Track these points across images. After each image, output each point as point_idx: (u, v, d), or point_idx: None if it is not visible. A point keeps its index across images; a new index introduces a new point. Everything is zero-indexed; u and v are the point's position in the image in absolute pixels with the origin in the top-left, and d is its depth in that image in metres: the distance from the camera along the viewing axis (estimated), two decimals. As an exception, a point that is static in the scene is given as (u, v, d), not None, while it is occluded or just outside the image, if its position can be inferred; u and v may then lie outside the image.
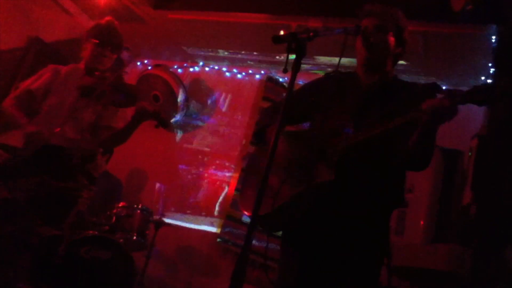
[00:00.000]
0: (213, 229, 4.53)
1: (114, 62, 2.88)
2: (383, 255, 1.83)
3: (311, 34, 1.59)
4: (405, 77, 2.65)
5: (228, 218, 4.41)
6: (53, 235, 2.46)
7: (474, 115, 3.43)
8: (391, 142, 1.77)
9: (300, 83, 2.36)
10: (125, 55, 4.71)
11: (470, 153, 3.39)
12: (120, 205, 3.74)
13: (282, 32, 3.59)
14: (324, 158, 1.80)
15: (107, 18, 2.93)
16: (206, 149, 4.86)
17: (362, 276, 1.79)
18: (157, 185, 4.40)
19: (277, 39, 1.60)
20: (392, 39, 1.96)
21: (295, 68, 1.58)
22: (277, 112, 1.98)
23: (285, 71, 1.59)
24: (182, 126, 5.01)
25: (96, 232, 3.40)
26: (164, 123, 2.72)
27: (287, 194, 1.81)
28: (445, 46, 3.72)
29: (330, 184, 1.73)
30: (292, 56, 1.60)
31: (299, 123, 2.17)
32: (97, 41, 2.75)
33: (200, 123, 4.99)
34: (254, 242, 1.51)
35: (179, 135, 5.00)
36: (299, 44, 1.57)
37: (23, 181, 2.49)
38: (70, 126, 2.65)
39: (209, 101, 5.03)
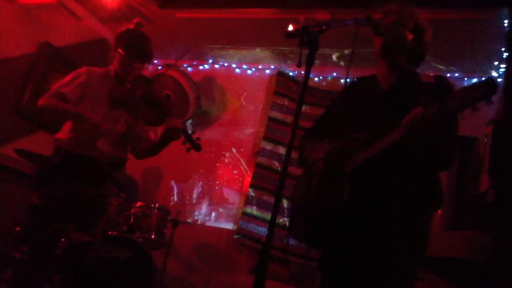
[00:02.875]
0: (230, 226, 4.55)
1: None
2: (423, 254, 1.83)
3: (323, 27, 1.59)
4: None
5: (244, 214, 4.43)
6: (83, 241, 2.45)
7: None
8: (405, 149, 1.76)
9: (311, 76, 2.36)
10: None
11: (486, 140, 3.35)
12: (137, 205, 3.77)
13: (291, 26, 3.56)
14: (344, 172, 1.81)
15: (136, 20, 2.80)
16: (219, 146, 4.87)
17: (403, 275, 1.79)
18: (172, 183, 4.44)
19: (290, 34, 1.60)
20: (410, 35, 1.94)
21: (309, 61, 1.58)
22: (314, 133, 2.02)
23: (299, 65, 1.59)
24: (194, 124, 5.02)
25: (116, 232, 3.45)
26: (196, 146, 2.66)
27: (319, 211, 1.84)
28: (457, 32, 3.67)
29: (344, 205, 1.75)
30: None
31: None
32: (125, 52, 2.63)
33: (211, 121, 5.00)
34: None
35: (186, 152, 5.01)
36: (311, 38, 1.57)
37: (54, 188, 2.47)
38: (103, 138, 2.60)
39: (220, 98, 5.03)
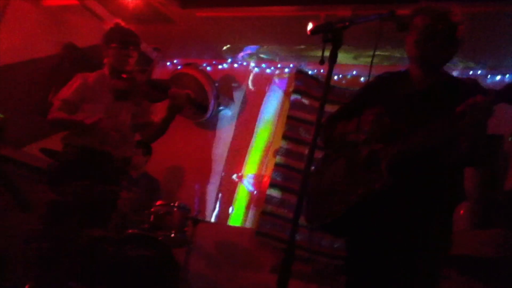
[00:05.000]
0: (251, 224, 4.56)
1: (138, 61, 2.92)
2: (446, 253, 1.81)
3: (347, 23, 1.58)
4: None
5: (264, 213, 4.42)
6: (100, 235, 2.53)
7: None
8: (441, 146, 1.74)
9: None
10: (155, 55, 4.81)
11: (510, 138, 3.29)
12: (158, 203, 3.82)
13: (310, 24, 3.55)
14: (377, 162, 1.79)
15: (115, 20, 3.01)
16: (237, 144, 4.89)
17: (427, 274, 1.77)
18: (195, 184, 4.48)
19: (314, 31, 1.59)
20: (444, 40, 1.89)
21: (332, 58, 1.57)
22: (334, 121, 2.00)
23: (322, 62, 1.58)
24: (214, 122, 5.05)
25: (136, 231, 3.49)
26: (201, 107, 2.76)
27: (347, 202, 1.83)
28: (479, 27, 3.59)
29: (384, 188, 1.73)
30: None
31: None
32: (119, 45, 2.80)
33: (230, 120, 5.01)
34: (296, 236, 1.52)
35: (211, 131, 5.04)
36: (335, 34, 1.56)
37: (69, 184, 2.55)
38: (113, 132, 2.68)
39: (239, 97, 5.04)
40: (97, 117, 2.64)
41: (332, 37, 1.55)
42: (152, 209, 3.76)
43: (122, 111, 2.78)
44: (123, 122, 2.78)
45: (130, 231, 3.46)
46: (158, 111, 2.90)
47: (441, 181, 1.79)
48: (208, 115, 4.85)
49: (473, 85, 1.82)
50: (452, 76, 1.99)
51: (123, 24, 2.96)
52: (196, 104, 2.86)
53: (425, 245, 1.76)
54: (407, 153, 1.75)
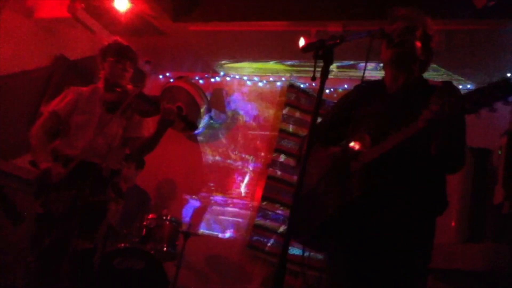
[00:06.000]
0: (242, 238, 4.55)
1: (133, 76, 2.95)
2: (428, 262, 1.81)
3: (338, 40, 1.60)
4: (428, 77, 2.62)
5: (256, 226, 4.41)
6: (86, 248, 2.52)
7: (502, 113, 3.37)
8: (413, 149, 1.74)
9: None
10: (146, 68, 4.82)
11: (499, 151, 3.33)
12: (149, 216, 3.80)
13: (302, 40, 3.60)
14: (350, 173, 1.80)
15: (114, 38, 3.05)
16: (229, 157, 4.89)
17: (410, 285, 1.76)
18: (186, 198, 4.46)
19: (306, 48, 1.61)
20: (418, 44, 1.93)
21: (324, 74, 1.59)
22: (319, 134, 2.01)
23: (313, 78, 1.60)
24: (205, 135, 5.05)
25: (127, 244, 3.47)
26: (190, 124, 2.75)
27: (324, 216, 1.83)
28: (468, 43, 3.67)
29: (357, 199, 1.74)
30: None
31: (339, 141, 2.13)
32: (116, 59, 2.83)
33: (222, 132, 5.02)
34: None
35: (202, 144, 5.04)
36: (326, 51, 1.58)
37: (57, 195, 2.55)
38: (98, 141, 2.71)
39: (231, 110, 5.06)
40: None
41: (323, 54, 1.58)
42: (144, 222, 3.74)
43: (113, 124, 2.78)
44: (114, 134, 2.77)
45: (122, 244, 3.43)
46: (149, 126, 2.90)
47: (421, 189, 1.78)
48: (198, 131, 4.86)
49: (446, 87, 1.82)
50: (425, 79, 1.99)
51: (121, 41, 2.99)
52: (186, 120, 2.87)
53: (406, 255, 1.75)
54: (378, 160, 1.74)
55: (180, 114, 2.75)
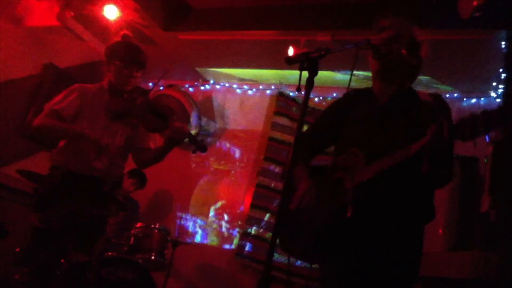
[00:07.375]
0: (231, 246, 4.54)
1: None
2: (417, 271, 1.82)
3: (323, 52, 1.62)
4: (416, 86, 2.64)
5: (245, 234, 4.41)
6: (81, 262, 2.42)
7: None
8: (404, 168, 1.76)
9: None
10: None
11: (486, 160, 3.36)
12: (138, 225, 3.77)
13: (291, 49, 3.62)
14: (344, 189, 1.80)
15: (123, 32, 2.78)
16: (220, 166, 4.89)
17: None
18: (176, 206, 4.44)
19: (290, 60, 1.62)
20: (404, 51, 1.93)
21: (308, 86, 1.60)
22: (307, 143, 2.02)
23: (298, 89, 1.61)
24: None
25: (115, 254, 3.44)
26: (201, 147, 2.63)
27: (316, 229, 1.84)
28: (456, 53, 3.72)
29: (349, 220, 1.74)
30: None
31: (326, 148, 2.15)
32: (123, 64, 2.60)
33: (212, 141, 5.02)
34: (275, 258, 1.53)
35: (192, 153, 5.02)
36: (311, 63, 1.60)
37: (55, 209, 2.42)
38: (102, 155, 2.53)
39: (221, 119, 5.07)
40: (97, 133, 2.47)
41: (308, 65, 1.59)
42: (132, 231, 3.71)
43: (116, 133, 2.60)
44: (117, 145, 2.60)
45: (109, 253, 3.40)
46: (156, 137, 2.73)
47: (410, 203, 1.80)
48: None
49: (436, 102, 1.83)
50: (414, 90, 1.99)
51: (130, 36, 2.74)
52: (196, 142, 2.63)
53: (395, 265, 1.77)
54: (372, 179, 1.76)
55: (190, 135, 2.58)
